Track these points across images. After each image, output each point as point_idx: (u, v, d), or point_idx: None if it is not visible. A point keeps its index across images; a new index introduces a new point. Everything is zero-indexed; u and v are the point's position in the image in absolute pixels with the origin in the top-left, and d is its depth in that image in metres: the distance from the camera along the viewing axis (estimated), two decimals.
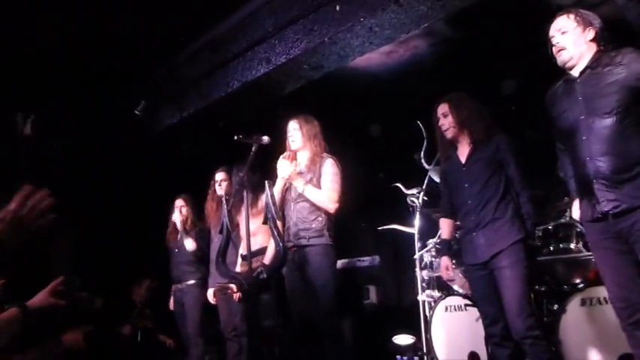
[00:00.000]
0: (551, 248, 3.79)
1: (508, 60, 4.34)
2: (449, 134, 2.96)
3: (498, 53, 4.29)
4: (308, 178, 3.20)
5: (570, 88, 2.37)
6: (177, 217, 4.34)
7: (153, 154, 4.71)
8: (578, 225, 3.40)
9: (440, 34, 4.11)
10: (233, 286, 3.68)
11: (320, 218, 3.17)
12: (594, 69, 2.30)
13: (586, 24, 2.33)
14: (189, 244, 4.33)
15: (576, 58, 2.33)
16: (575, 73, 2.36)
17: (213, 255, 4.01)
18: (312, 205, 3.16)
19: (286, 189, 3.30)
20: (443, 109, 2.98)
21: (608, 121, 2.22)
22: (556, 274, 3.88)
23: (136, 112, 4.15)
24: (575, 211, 2.53)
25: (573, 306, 3.24)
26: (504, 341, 2.81)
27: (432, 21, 3.13)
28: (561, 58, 2.35)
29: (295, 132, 3.27)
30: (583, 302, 3.19)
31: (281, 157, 3.24)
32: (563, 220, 3.62)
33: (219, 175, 4.07)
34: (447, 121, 2.96)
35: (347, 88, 4.57)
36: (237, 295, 3.68)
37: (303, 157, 3.30)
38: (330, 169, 3.21)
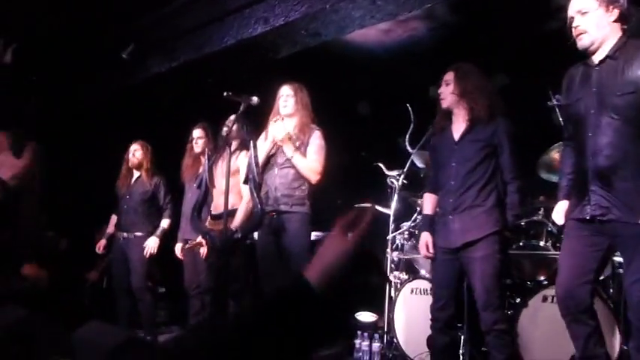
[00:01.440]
0: (521, 244, 3.86)
1: (504, 52, 4.33)
2: (444, 103, 2.78)
3: (495, 44, 4.28)
4: (297, 145, 3.19)
5: (587, 75, 2.20)
6: (130, 161, 4.24)
7: (135, 101, 4.58)
8: (550, 224, 3.47)
9: (440, 18, 4.08)
10: (202, 241, 3.68)
11: (303, 187, 3.21)
12: (615, 59, 2.11)
13: (609, 2, 2.10)
14: (141, 190, 4.23)
15: (598, 42, 2.13)
16: (595, 59, 2.17)
17: (186, 209, 3.97)
18: (297, 172, 3.18)
19: (272, 153, 3.28)
20: (447, 76, 2.79)
21: (617, 122, 2.08)
22: (522, 269, 3.96)
23: (123, 55, 4.02)
24: (558, 214, 2.42)
25: (535, 301, 3.30)
26: (447, 329, 2.81)
27: (437, 1, 3.10)
28: (582, 42, 2.14)
29: (289, 98, 3.25)
30: (544, 299, 3.25)
31: (274, 119, 3.21)
32: (535, 218, 3.69)
33: (197, 132, 3.98)
34: (447, 89, 2.77)
35: (341, 61, 4.51)
36: (203, 251, 3.68)
37: (291, 124, 3.28)
38: (317, 140, 3.23)
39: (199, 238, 3.69)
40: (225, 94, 2.82)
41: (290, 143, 3.16)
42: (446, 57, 4.28)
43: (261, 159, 3.22)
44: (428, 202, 3.03)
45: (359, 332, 4.41)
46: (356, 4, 3.08)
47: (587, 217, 2.18)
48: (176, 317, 4.99)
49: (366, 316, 4.60)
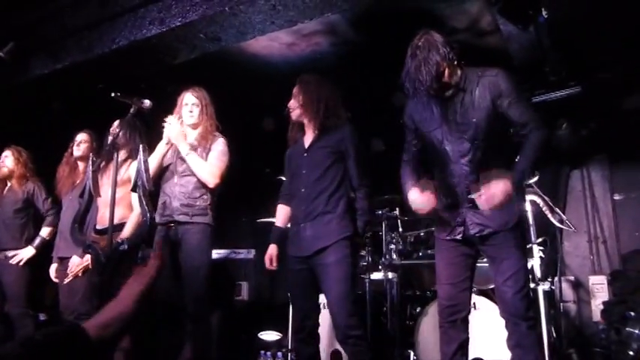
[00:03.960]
0: (420, 254, 3.97)
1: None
2: (293, 115, 2.87)
3: (394, 65, 4.42)
4: (196, 150, 3.05)
5: (439, 104, 2.44)
6: (7, 165, 3.91)
7: (15, 104, 4.15)
8: None
9: (342, 34, 4.15)
10: (76, 259, 3.35)
11: (205, 196, 3.05)
12: (464, 90, 2.37)
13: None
14: (12, 200, 3.86)
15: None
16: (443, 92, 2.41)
17: (63, 224, 3.58)
18: (198, 181, 3.03)
19: (168, 164, 3.10)
20: (295, 89, 2.90)
21: (473, 145, 2.33)
22: (422, 279, 4.07)
23: (1, 54, 3.64)
24: (414, 195, 2.47)
25: (434, 310, 3.37)
26: (310, 339, 2.79)
27: (337, 11, 3.13)
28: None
29: (195, 107, 3.12)
30: None
31: (170, 116, 3.05)
32: (433, 228, 3.79)
33: (80, 136, 3.66)
34: (294, 102, 2.86)
35: (244, 74, 4.45)
36: (74, 271, 3.34)
37: (193, 133, 3.15)
38: (219, 147, 3.12)
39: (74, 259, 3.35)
40: (113, 94, 2.62)
41: (184, 141, 3.01)
42: (349, 74, 4.41)
43: (155, 162, 3.04)
44: (280, 214, 3.07)
45: (262, 352, 4.27)
46: (256, 9, 3.02)
47: (460, 238, 2.36)
48: None
49: (269, 335, 4.47)
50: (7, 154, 3.94)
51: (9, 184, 3.95)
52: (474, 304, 3.34)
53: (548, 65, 4.14)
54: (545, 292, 3.39)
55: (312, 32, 4.10)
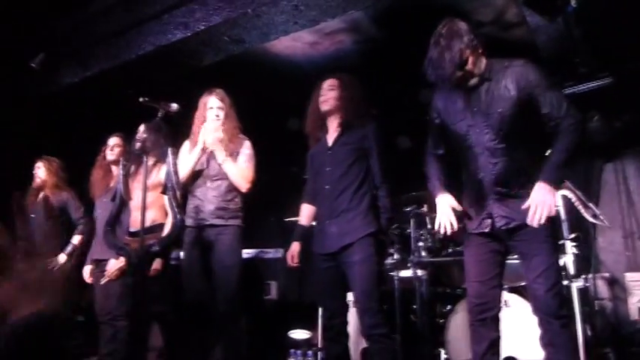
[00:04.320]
0: (450, 250, 3.92)
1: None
2: (326, 106, 2.84)
3: (419, 61, 4.37)
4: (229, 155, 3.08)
5: (466, 96, 2.39)
6: (40, 176, 4.04)
7: (46, 114, 4.28)
8: None
9: (365, 31, 4.14)
10: (113, 262, 3.43)
11: (237, 199, 3.10)
12: (489, 80, 2.32)
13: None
14: (47, 209, 4.00)
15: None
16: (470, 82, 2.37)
17: (98, 227, 3.69)
18: (230, 184, 3.06)
19: (203, 168, 3.13)
20: (330, 82, 2.89)
21: (499, 136, 2.27)
22: (451, 276, 4.02)
23: (33, 64, 3.75)
24: (443, 206, 2.43)
25: (464, 308, 3.33)
26: (339, 337, 2.79)
27: (359, 8, 3.12)
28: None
29: (220, 111, 3.12)
30: None
31: (208, 121, 3.06)
32: (461, 225, 3.74)
33: (113, 140, 3.75)
34: (330, 94, 2.85)
35: (268, 74, 4.48)
36: (110, 273, 3.43)
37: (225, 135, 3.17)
38: (247, 150, 3.15)
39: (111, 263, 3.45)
40: (141, 99, 2.67)
41: (221, 147, 3.03)
42: (373, 71, 4.39)
43: (189, 168, 3.07)
44: (303, 213, 3.06)
45: (292, 350, 4.30)
46: (278, 9, 3.04)
47: (487, 231, 2.30)
48: (94, 347, 4.64)
49: (299, 334, 4.49)
50: (40, 165, 4.06)
51: (42, 193, 4.07)
52: (506, 301, 3.29)
53: (578, 56, 4.05)
54: (579, 290, 3.31)
55: (335, 30, 4.10)
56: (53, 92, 3.97)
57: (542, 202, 2.09)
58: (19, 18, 3.76)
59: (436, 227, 2.37)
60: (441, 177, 2.45)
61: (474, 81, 2.28)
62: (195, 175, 3.12)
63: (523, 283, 3.31)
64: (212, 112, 3.13)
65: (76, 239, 3.99)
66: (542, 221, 2.10)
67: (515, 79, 2.22)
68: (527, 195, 2.19)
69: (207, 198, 3.05)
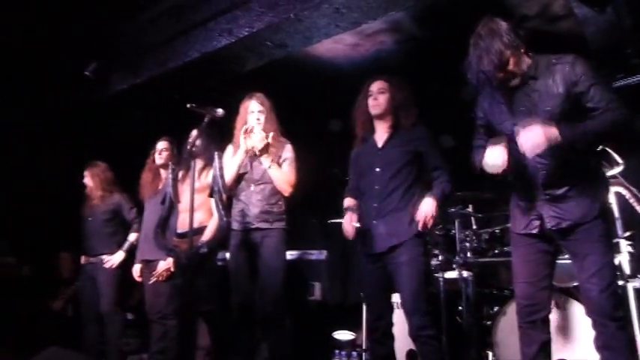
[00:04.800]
0: (496, 251, 3.85)
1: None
2: (378, 110, 2.84)
3: (462, 58, 4.31)
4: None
5: (511, 95, 2.34)
6: (87, 184, 4.24)
7: (99, 119, 4.48)
8: None
9: (406, 30, 4.12)
10: (162, 263, 3.55)
11: (280, 202, 3.14)
12: (536, 78, 2.25)
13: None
14: (102, 211, 4.20)
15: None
16: (514, 82, 2.29)
17: (146, 228, 3.82)
18: (274, 188, 3.11)
19: (243, 172, 3.18)
20: (380, 85, 2.87)
21: None
22: (499, 277, 3.95)
23: (86, 72, 3.93)
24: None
25: (512, 309, 3.27)
26: (385, 338, 2.77)
27: (401, 8, 3.10)
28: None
29: (261, 115, 3.16)
30: None
31: (249, 129, 3.10)
32: (509, 225, 3.66)
33: (161, 144, 3.87)
34: (381, 98, 2.84)
35: (310, 77, 4.52)
36: (159, 273, 3.55)
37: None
38: (289, 153, 3.19)
39: (161, 264, 3.57)
40: (188, 105, 2.75)
41: (267, 153, 3.08)
42: (416, 70, 4.36)
43: (233, 172, 3.13)
44: (348, 199, 3.03)
45: (336, 351, 4.31)
46: (320, 13, 3.07)
47: (535, 232, 2.24)
48: (146, 344, 4.80)
49: (343, 335, 4.50)
50: (86, 172, 4.27)
51: (96, 198, 4.27)
52: (556, 303, 3.20)
53: (630, 47, 3.89)
54: (635, 290, 3.18)
55: (377, 31, 4.10)
56: (105, 98, 4.14)
57: (536, 135, 2.03)
58: (72, 29, 3.95)
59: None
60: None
61: (516, 81, 2.22)
62: (239, 178, 3.18)
63: (574, 284, 3.21)
64: (253, 116, 3.17)
65: (133, 237, 4.17)
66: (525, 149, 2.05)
67: (564, 76, 2.15)
68: (578, 195, 2.14)
69: (252, 202, 3.10)
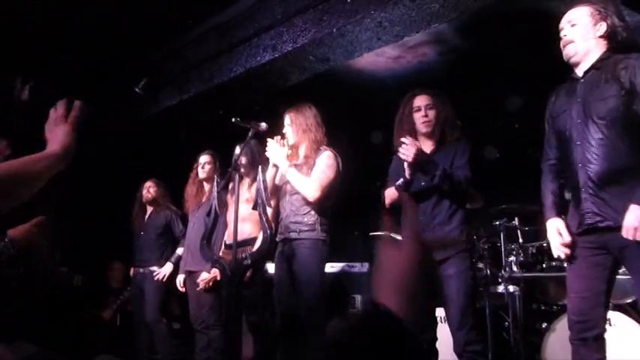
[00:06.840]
0: (544, 265, 3.74)
1: (514, 76, 4.31)
2: (427, 127, 2.81)
3: (506, 68, 4.26)
4: (301, 168, 3.11)
5: (573, 88, 2.25)
6: (144, 197, 4.39)
7: (147, 135, 4.64)
8: None
9: (449, 42, 4.09)
10: (205, 274, 3.62)
11: (312, 212, 3.07)
12: (599, 69, 2.16)
13: (599, 18, 2.18)
14: (155, 225, 4.34)
15: (581, 53, 2.19)
16: (579, 72, 2.23)
17: (190, 240, 3.93)
18: (304, 198, 3.08)
19: (281, 182, 3.23)
20: (426, 100, 2.83)
21: (602, 128, 2.10)
22: (547, 293, 3.82)
23: (136, 89, 4.09)
24: (552, 233, 2.26)
25: (562, 325, 3.17)
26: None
27: (444, 21, 3.09)
28: (566, 51, 2.22)
29: (287, 127, 3.18)
30: None
31: (272, 139, 3.12)
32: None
33: (204, 158, 3.95)
34: (431, 114, 2.81)
35: (352, 90, 4.54)
36: (202, 283, 3.62)
37: (300, 150, 3.22)
38: (325, 160, 3.08)
39: (204, 274, 3.64)
40: (233, 120, 2.82)
41: (283, 160, 3.08)
42: (458, 82, 4.32)
43: (270, 184, 3.17)
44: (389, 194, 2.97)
45: None
46: (362, 27, 3.09)
47: (585, 228, 2.14)
48: (191, 354, 4.90)
49: None
50: (151, 184, 4.43)
51: (150, 210, 4.44)
52: (609, 320, 3.07)
53: None
54: None
55: (419, 43, 4.09)
56: (153, 114, 4.29)
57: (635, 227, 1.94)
58: (121, 49, 4.12)
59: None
60: (552, 196, 2.32)
61: (585, 66, 2.19)
62: (278, 190, 3.21)
63: (629, 300, 3.08)
64: (285, 130, 3.19)
65: (181, 250, 4.27)
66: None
67: (625, 71, 2.09)
68: (628, 193, 2.03)
69: (287, 212, 3.12)
